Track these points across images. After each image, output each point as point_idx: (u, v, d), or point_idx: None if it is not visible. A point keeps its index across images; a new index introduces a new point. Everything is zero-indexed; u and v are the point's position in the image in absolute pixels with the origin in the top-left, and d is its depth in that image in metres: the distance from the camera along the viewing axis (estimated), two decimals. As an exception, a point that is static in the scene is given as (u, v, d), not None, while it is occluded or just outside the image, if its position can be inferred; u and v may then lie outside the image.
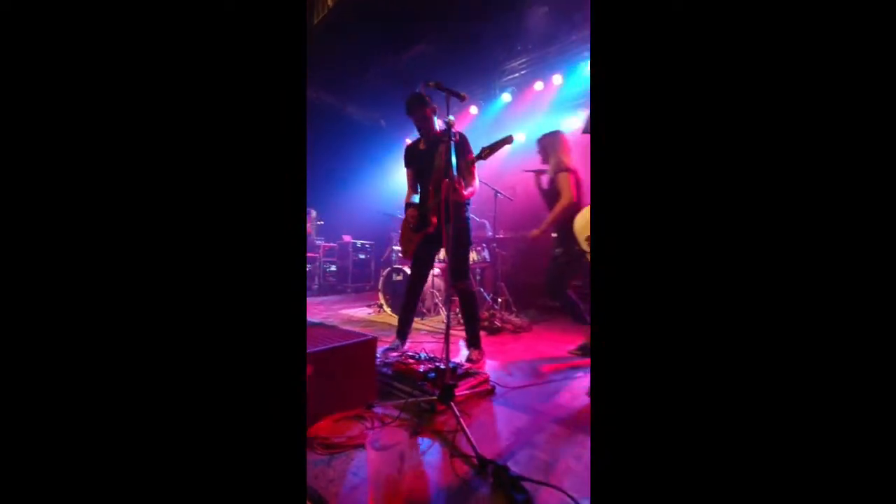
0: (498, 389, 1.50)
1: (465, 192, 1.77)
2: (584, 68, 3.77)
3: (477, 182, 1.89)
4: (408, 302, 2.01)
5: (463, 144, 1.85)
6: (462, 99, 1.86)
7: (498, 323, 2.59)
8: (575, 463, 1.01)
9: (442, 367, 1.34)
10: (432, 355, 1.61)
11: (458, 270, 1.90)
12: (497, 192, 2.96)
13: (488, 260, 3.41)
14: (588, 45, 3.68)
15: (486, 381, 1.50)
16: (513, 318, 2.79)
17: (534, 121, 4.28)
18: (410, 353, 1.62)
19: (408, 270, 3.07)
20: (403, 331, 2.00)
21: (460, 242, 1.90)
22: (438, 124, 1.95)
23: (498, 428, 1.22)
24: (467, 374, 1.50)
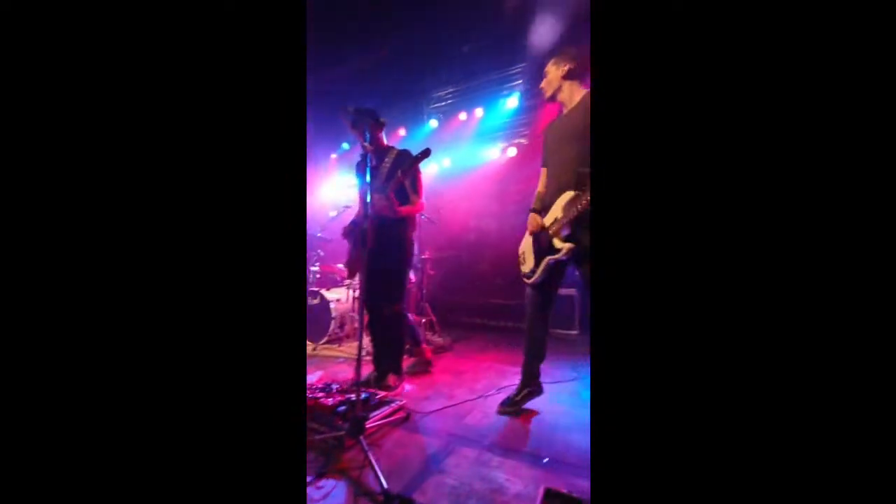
0: (413, 416, 1.50)
1: (402, 209, 1.68)
2: (503, 104, 4.15)
3: (418, 199, 1.79)
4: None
5: (405, 157, 1.78)
6: (381, 126, 1.89)
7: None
8: (480, 484, 1.05)
9: (354, 398, 1.29)
10: (345, 387, 1.54)
11: (392, 293, 1.83)
12: (422, 213, 3.03)
13: (413, 280, 3.43)
14: (505, 85, 4.08)
15: (401, 408, 1.49)
16: (436, 338, 2.83)
17: (458, 148, 4.54)
18: (320, 386, 1.53)
19: (326, 293, 2.91)
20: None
21: (396, 263, 1.82)
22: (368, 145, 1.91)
23: (409, 457, 1.21)
24: (381, 403, 1.47)
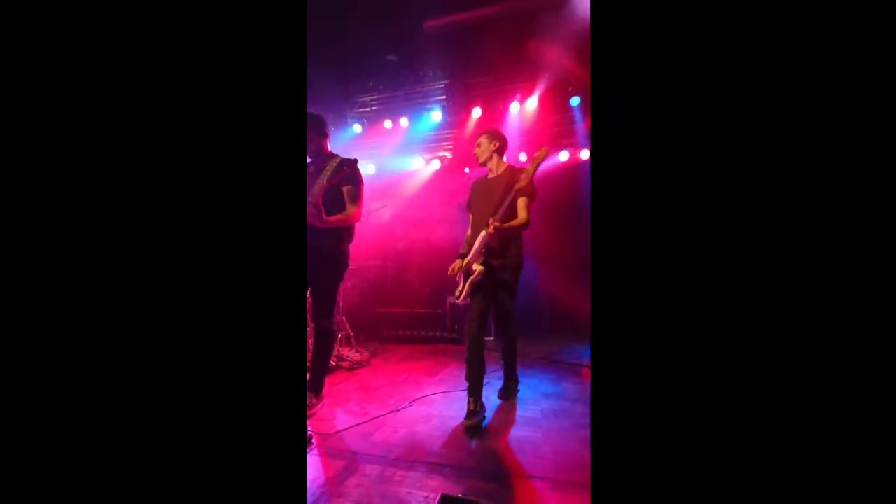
0: (315, 439, 1.39)
1: (330, 219, 1.56)
2: (428, 117, 4.25)
3: (356, 209, 1.68)
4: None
5: (342, 168, 1.67)
6: (325, 135, 1.75)
7: (333, 362, 2.45)
8: (381, 501, 1.01)
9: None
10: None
11: (319, 306, 1.69)
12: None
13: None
14: (430, 98, 4.19)
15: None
16: (351, 353, 2.71)
17: (382, 155, 4.49)
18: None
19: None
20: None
21: (326, 275, 1.69)
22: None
23: (308, 483, 1.11)
24: (278, 427, 1.33)
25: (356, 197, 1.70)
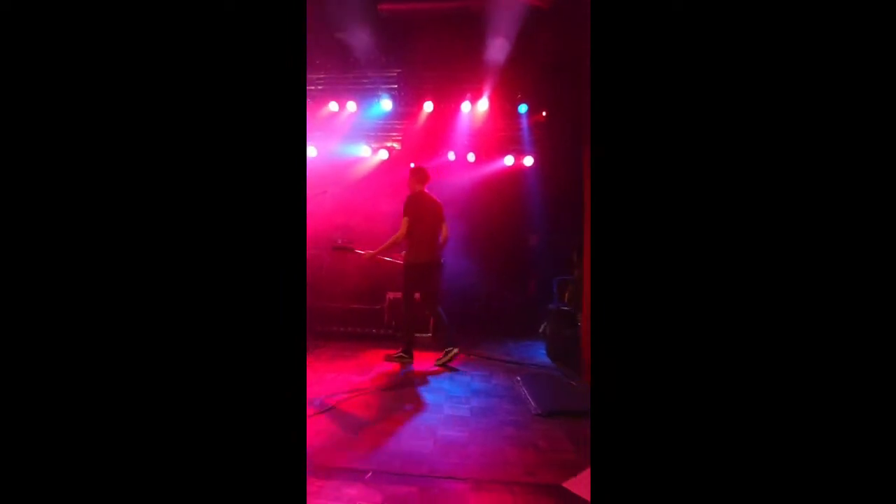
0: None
1: None
2: (378, 105, 4.08)
3: None
4: None
5: None
6: None
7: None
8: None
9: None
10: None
11: None
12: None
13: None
14: (380, 85, 4.02)
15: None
16: (276, 348, 2.48)
17: (325, 139, 4.21)
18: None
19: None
20: None
21: None
22: None
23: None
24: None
25: None
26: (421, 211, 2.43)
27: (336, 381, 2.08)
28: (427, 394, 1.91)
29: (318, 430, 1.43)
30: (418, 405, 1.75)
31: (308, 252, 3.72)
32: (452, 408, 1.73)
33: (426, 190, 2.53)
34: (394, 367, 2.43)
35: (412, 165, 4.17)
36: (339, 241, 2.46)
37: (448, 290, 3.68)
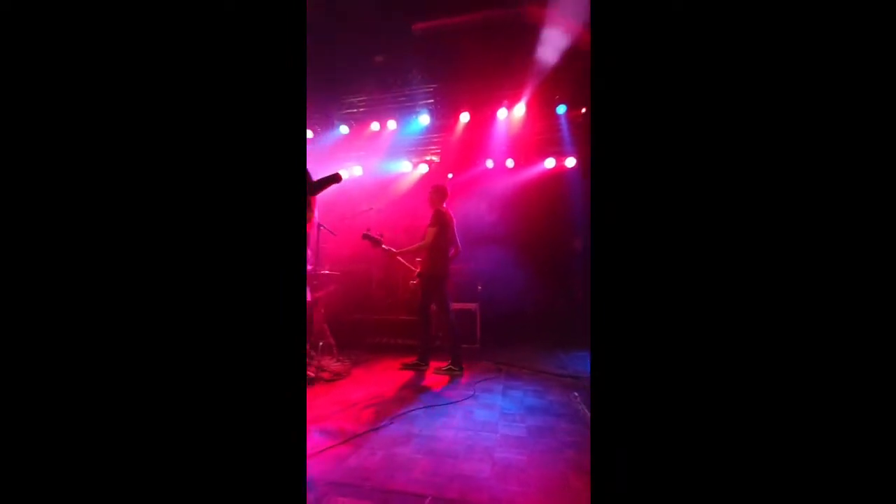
0: (285, 464, 1.29)
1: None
2: (416, 121, 4.19)
3: (315, 216, 1.74)
4: None
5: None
6: None
7: (311, 373, 2.34)
8: (352, 541, 0.93)
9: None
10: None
11: None
12: (320, 224, 2.79)
13: (308, 299, 3.12)
14: (417, 102, 4.13)
15: (270, 457, 1.27)
16: (332, 363, 2.60)
17: (369, 158, 4.40)
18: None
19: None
20: None
21: None
22: None
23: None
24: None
25: (312, 203, 1.78)
26: (444, 225, 2.58)
27: (388, 395, 2.11)
28: (479, 410, 1.87)
29: (373, 447, 1.45)
30: (471, 422, 1.71)
31: (357, 266, 3.87)
32: (507, 426, 1.67)
33: (444, 206, 2.71)
34: (442, 379, 2.42)
35: (450, 176, 4.21)
36: (371, 232, 2.54)
37: (492, 300, 3.62)
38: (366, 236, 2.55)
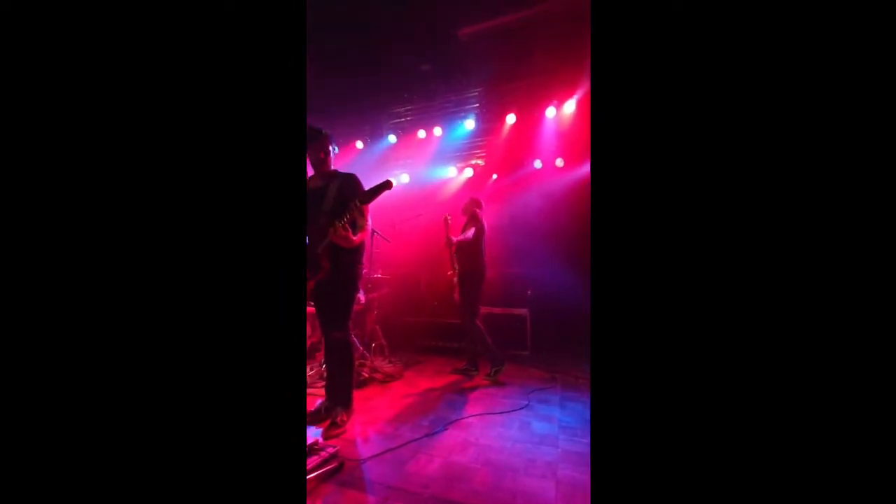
0: (348, 464, 1.32)
1: (355, 238, 1.68)
2: (461, 126, 4.20)
3: (369, 223, 1.80)
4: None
5: (355, 184, 1.77)
6: (318, 134, 1.79)
7: (366, 374, 2.41)
8: (416, 551, 0.91)
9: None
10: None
11: (336, 319, 1.73)
12: (374, 231, 2.89)
13: (362, 302, 3.24)
14: (463, 107, 4.14)
15: (334, 456, 1.31)
16: (384, 364, 2.65)
17: (416, 165, 4.49)
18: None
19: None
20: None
21: (346, 289, 1.75)
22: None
23: (338, 519, 1.04)
24: (310, 451, 1.28)
25: (366, 212, 1.77)
26: (481, 229, 2.62)
27: (441, 399, 2.10)
28: (537, 422, 1.78)
29: (430, 453, 1.44)
30: (529, 434, 1.63)
31: (406, 269, 3.95)
32: (569, 441, 1.57)
33: (479, 214, 2.73)
34: (494, 386, 2.36)
35: (494, 177, 4.14)
36: (449, 219, 2.64)
37: (543, 305, 3.47)
38: (446, 221, 2.60)
